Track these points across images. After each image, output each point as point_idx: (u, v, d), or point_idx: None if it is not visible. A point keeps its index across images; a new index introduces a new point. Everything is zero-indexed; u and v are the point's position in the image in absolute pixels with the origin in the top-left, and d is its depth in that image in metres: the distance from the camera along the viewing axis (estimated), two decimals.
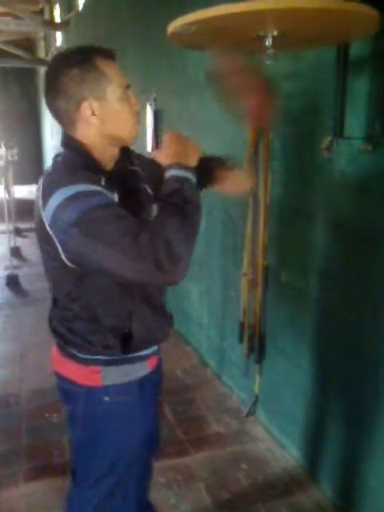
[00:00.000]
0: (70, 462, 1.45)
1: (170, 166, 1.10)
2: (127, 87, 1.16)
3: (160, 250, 0.95)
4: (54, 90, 1.13)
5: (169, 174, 1.10)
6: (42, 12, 9.42)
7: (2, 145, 5.97)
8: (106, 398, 1.25)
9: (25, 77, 12.25)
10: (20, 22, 7.50)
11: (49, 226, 1.06)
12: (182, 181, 1.07)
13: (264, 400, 2.31)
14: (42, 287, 4.98)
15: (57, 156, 1.17)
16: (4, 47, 9.24)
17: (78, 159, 1.12)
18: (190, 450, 2.35)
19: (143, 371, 1.30)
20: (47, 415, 2.66)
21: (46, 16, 9.12)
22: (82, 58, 1.11)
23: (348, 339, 1.85)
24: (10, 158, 5.93)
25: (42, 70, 10.91)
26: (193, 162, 1.15)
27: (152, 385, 1.35)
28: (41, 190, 1.10)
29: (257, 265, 2.02)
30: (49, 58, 9.62)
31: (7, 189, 5.93)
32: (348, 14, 1.16)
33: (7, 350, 3.54)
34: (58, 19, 8.42)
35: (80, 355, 1.25)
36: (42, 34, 10.23)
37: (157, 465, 1.55)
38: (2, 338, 3.77)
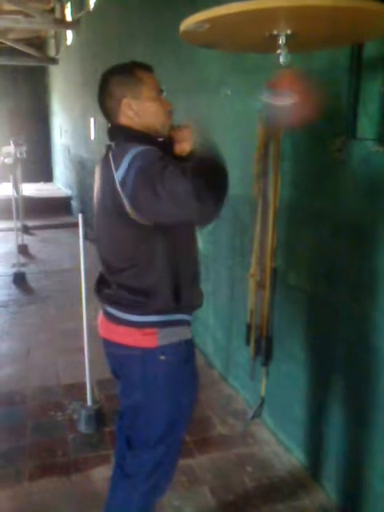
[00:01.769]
0: (120, 429, 1.59)
1: (194, 144, 1.37)
2: (161, 92, 1.43)
3: (201, 185, 1.15)
4: (103, 92, 1.43)
5: (195, 146, 1.36)
6: (52, 10, 9.43)
7: (11, 142, 5.99)
8: (162, 357, 1.40)
9: (35, 75, 12.29)
10: (31, 21, 7.52)
11: (120, 182, 1.26)
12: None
13: (270, 403, 2.29)
14: (49, 285, 5.03)
15: (110, 145, 1.40)
16: (15, 45, 9.29)
17: (132, 134, 1.38)
18: (194, 452, 2.34)
19: (188, 334, 1.47)
20: (52, 413, 2.66)
21: (57, 14, 9.13)
22: (124, 69, 1.42)
23: (356, 343, 1.83)
24: (18, 156, 5.95)
25: (52, 69, 10.96)
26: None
27: (193, 349, 1.53)
28: (112, 160, 1.31)
29: (265, 266, 2.01)
30: (59, 57, 9.66)
31: (15, 186, 5.95)
32: (362, 12, 1.14)
33: (13, 348, 3.54)
34: (68, 18, 8.43)
35: (136, 319, 1.39)
36: (52, 32, 10.26)
37: None
38: (7, 335, 3.77)
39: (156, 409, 1.45)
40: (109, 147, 1.42)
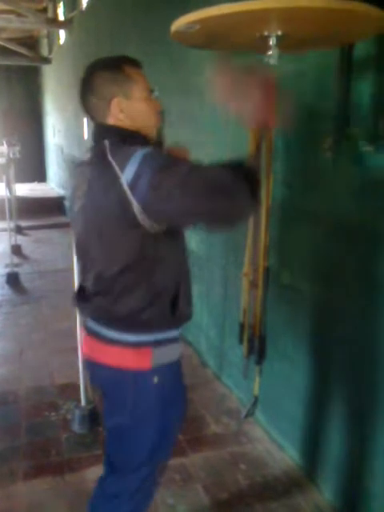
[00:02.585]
0: (103, 451, 1.49)
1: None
2: (151, 91, 1.33)
3: (239, 180, 1.11)
4: (88, 88, 1.30)
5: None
6: (45, 10, 9.40)
7: (4, 142, 5.97)
8: (155, 379, 1.31)
9: (28, 75, 12.24)
10: (23, 20, 7.50)
11: (129, 186, 1.14)
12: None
13: (263, 401, 2.30)
14: (42, 285, 5.02)
15: (95, 147, 1.29)
16: (7, 45, 9.24)
17: (127, 137, 1.27)
18: (188, 451, 2.35)
19: (178, 352, 1.39)
20: (46, 413, 2.66)
21: (50, 14, 9.10)
22: (112, 64, 1.30)
23: (349, 341, 1.84)
24: (11, 156, 5.92)
25: (45, 68, 10.93)
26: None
27: (181, 367, 1.44)
28: (113, 163, 1.19)
29: (258, 266, 2.02)
30: (52, 56, 9.63)
31: (9, 186, 5.93)
32: (352, 13, 1.15)
33: (6, 348, 3.53)
34: (61, 17, 8.41)
35: (127, 338, 1.29)
36: (45, 32, 10.22)
37: None
38: (1, 336, 3.76)
39: (142, 433, 1.36)
40: (100, 147, 1.27)
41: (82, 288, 1.39)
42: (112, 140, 1.27)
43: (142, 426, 1.35)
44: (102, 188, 1.22)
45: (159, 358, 1.31)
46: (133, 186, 1.14)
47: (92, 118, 1.34)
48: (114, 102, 1.27)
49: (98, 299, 1.31)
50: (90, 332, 1.35)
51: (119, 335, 1.29)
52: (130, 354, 1.30)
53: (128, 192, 1.15)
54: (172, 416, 1.40)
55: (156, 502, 2.00)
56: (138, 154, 1.16)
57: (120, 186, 1.16)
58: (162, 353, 1.32)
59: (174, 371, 1.38)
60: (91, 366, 1.38)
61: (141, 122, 1.32)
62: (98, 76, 1.29)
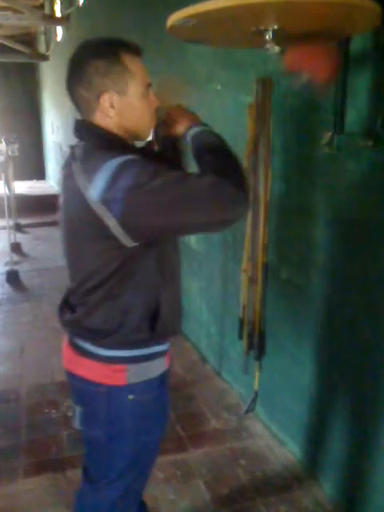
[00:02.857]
0: (83, 459, 1.42)
1: (189, 128, 1.24)
2: (148, 85, 1.19)
3: (226, 184, 1.02)
4: (77, 76, 1.16)
5: (193, 132, 1.23)
6: (42, 6, 9.38)
7: (3, 140, 5.96)
8: (131, 397, 1.24)
9: (25, 72, 12.21)
10: (20, 17, 7.47)
11: (99, 201, 1.04)
12: (208, 132, 1.23)
13: (263, 396, 2.31)
14: (42, 283, 5.02)
15: (75, 147, 1.18)
16: (4, 42, 9.21)
17: (106, 140, 1.16)
18: (188, 446, 2.35)
19: (163, 367, 1.31)
20: (46, 410, 2.67)
21: (47, 10, 9.07)
22: (108, 51, 1.14)
23: (348, 336, 1.84)
24: (10, 154, 5.91)
25: (43, 65, 10.90)
26: (199, 119, 1.30)
27: (166, 380, 1.36)
28: (81, 172, 1.09)
29: (256, 261, 2.02)
30: (49, 53, 9.60)
31: (8, 184, 5.92)
32: (348, 7, 1.14)
33: (7, 346, 3.53)
34: (58, 13, 8.38)
35: (102, 352, 1.21)
36: (42, 28, 10.19)
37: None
38: (1, 333, 3.77)
39: (117, 447, 1.29)
40: (72, 152, 1.17)
41: (66, 297, 1.31)
42: (88, 142, 1.16)
43: (117, 441, 1.28)
44: (72, 199, 1.12)
45: (135, 375, 1.23)
46: (106, 201, 1.03)
47: (78, 109, 1.22)
48: (105, 97, 1.13)
49: (73, 312, 1.26)
50: (69, 342, 1.29)
51: (94, 348, 1.22)
52: (103, 368, 1.22)
53: (99, 206, 1.04)
54: (151, 431, 1.31)
55: (157, 497, 2.00)
56: (109, 166, 1.04)
57: (84, 199, 1.06)
58: (138, 370, 1.24)
59: (153, 388, 1.28)
60: (68, 376, 1.32)
61: (133, 120, 1.18)
62: (90, 64, 1.13)
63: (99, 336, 1.21)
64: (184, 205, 1.02)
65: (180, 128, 1.27)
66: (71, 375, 1.30)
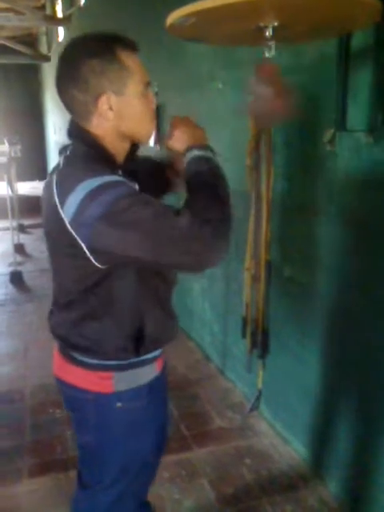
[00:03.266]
0: (77, 464, 1.41)
1: (189, 149, 1.13)
2: (147, 84, 1.12)
3: (204, 229, 0.95)
4: (70, 77, 1.07)
5: (191, 155, 1.11)
6: (43, 7, 9.39)
7: (5, 141, 5.97)
8: (119, 404, 1.21)
9: (27, 73, 12.24)
10: (21, 18, 7.48)
11: (70, 223, 1.00)
12: (207, 159, 1.10)
13: (268, 395, 2.30)
14: (46, 284, 5.01)
15: (64, 149, 1.13)
16: (6, 43, 9.23)
17: (91, 152, 1.09)
18: (193, 446, 2.35)
19: (153, 373, 1.27)
20: (51, 411, 2.67)
21: (48, 11, 9.09)
22: (103, 48, 1.06)
23: (352, 333, 1.83)
24: (13, 155, 5.91)
25: (44, 66, 10.91)
26: (205, 140, 1.17)
27: (161, 386, 1.32)
28: (55, 187, 1.04)
29: (259, 259, 2.01)
30: (51, 54, 9.61)
31: (10, 185, 5.92)
32: (348, 3, 1.14)
33: (11, 347, 3.54)
34: (59, 14, 8.39)
35: (89, 361, 1.19)
36: (43, 29, 10.22)
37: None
38: (5, 334, 3.78)
39: (108, 454, 1.26)
40: (59, 158, 1.11)
41: (51, 307, 1.30)
42: (73, 155, 1.10)
43: (107, 448, 1.25)
44: (50, 212, 1.06)
45: (123, 382, 1.20)
46: (76, 223, 0.99)
47: (70, 112, 1.13)
48: (102, 99, 1.06)
49: (57, 319, 1.26)
50: (58, 349, 1.28)
51: (79, 356, 1.20)
52: (90, 376, 1.20)
53: (70, 227, 1.00)
54: (142, 439, 1.27)
55: (162, 497, 2.01)
56: (83, 187, 0.98)
57: (59, 217, 1.01)
58: (125, 377, 1.21)
59: (142, 395, 1.23)
60: (58, 383, 1.31)
61: (133, 121, 1.11)
62: (85, 64, 1.04)
63: (86, 350, 1.18)
64: (154, 245, 0.96)
65: (178, 145, 1.17)
66: (61, 382, 1.28)
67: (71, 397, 1.27)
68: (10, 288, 4.89)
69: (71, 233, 1.00)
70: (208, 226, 0.95)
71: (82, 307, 1.16)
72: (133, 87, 1.08)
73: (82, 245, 1.00)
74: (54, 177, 1.07)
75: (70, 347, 1.21)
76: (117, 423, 1.24)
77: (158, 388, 1.29)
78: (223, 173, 1.10)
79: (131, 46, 1.09)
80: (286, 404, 2.34)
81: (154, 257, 0.98)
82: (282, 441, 2.36)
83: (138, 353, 1.19)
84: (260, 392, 2.06)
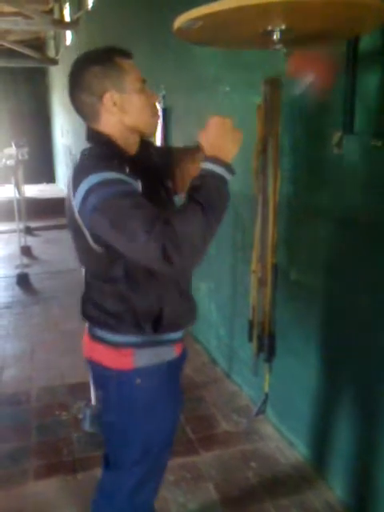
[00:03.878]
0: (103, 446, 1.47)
1: (207, 158, 1.17)
2: (143, 82, 1.27)
3: (169, 242, 1.03)
4: (78, 85, 1.25)
5: (204, 166, 1.16)
6: (51, 11, 9.45)
7: (13, 144, 6.01)
8: (138, 381, 1.29)
9: (35, 76, 12.33)
10: (29, 22, 7.53)
11: (78, 211, 1.15)
12: (213, 177, 1.14)
13: (274, 399, 2.30)
14: (52, 286, 5.05)
15: (84, 151, 1.27)
16: (14, 47, 9.29)
17: (104, 150, 1.23)
18: (199, 449, 2.34)
19: (172, 354, 1.34)
20: (57, 413, 2.68)
21: (56, 15, 9.14)
22: (103, 57, 1.24)
23: (358, 337, 1.83)
24: (20, 157, 5.95)
25: (52, 69, 10.98)
26: (231, 154, 1.19)
27: (178, 369, 1.41)
28: (71, 180, 1.19)
29: (266, 262, 2.01)
30: (59, 57, 9.66)
31: (18, 187, 5.96)
32: (355, 6, 1.14)
33: (18, 348, 3.55)
34: (67, 18, 8.44)
35: (111, 338, 1.29)
36: (51, 33, 10.28)
37: None
38: (12, 336, 3.79)
39: (130, 433, 1.34)
40: (75, 160, 1.27)
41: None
42: (91, 150, 1.25)
43: (128, 426, 1.34)
44: (68, 200, 1.22)
45: (143, 359, 1.29)
46: (80, 214, 1.15)
47: (83, 117, 1.28)
48: (106, 96, 1.22)
49: (84, 299, 1.36)
50: (87, 331, 1.38)
51: (102, 333, 1.30)
52: (112, 353, 1.30)
53: (78, 214, 1.16)
54: (161, 418, 1.35)
55: (167, 500, 2.00)
56: (88, 181, 1.12)
57: (73, 205, 1.17)
58: (146, 354, 1.29)
59: (161, 373, 1.32)
60: (87, 363, 1.40)
61: (135, 114, 1.25)
62: (88, 71, 1.22)
63: (105, 324, 1.29)
64: (127, 242, 1.08)
65: (206, 144, 1.21)
66: (89, 361, 1.38)
67: (97, 375, 1.38)
68: (17, 290, 4.91)
69: (78, 219, 1.17)
70: (176, 241, 1.03)
71: (101, 288, 1.28)
72: (131, 84, 1.24)
73: (85, 231, 1.17)
74: (72, 172, 1.22)
75: (95, 325, 1.32)
76: (137, 401, 1.31)
77: (175, 370, 1.38)
78: (228, 200, 1.15)
79: (126, 54, 1.27)
80: (291, 407, 2.33)
81: (127, 253, 1.12)
82: (288, 444, 2.36)
83: (155, 331, 1.27)
84: (267, 395, 2.06)
